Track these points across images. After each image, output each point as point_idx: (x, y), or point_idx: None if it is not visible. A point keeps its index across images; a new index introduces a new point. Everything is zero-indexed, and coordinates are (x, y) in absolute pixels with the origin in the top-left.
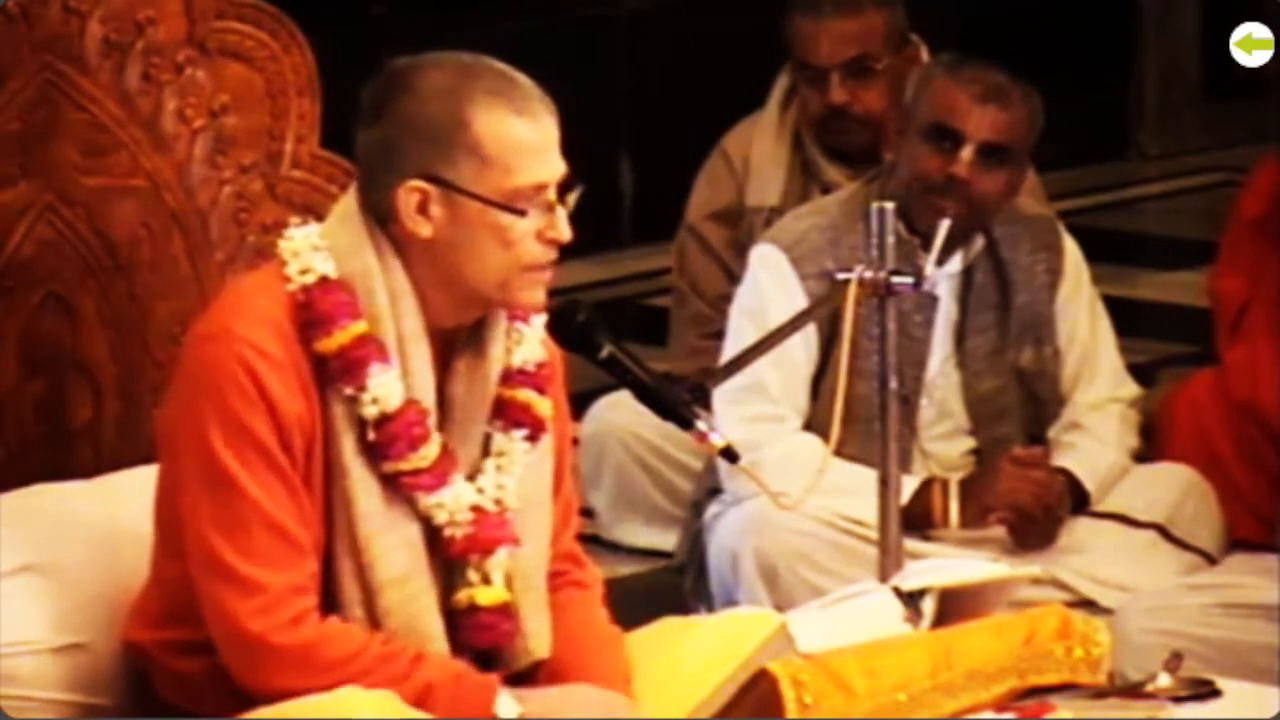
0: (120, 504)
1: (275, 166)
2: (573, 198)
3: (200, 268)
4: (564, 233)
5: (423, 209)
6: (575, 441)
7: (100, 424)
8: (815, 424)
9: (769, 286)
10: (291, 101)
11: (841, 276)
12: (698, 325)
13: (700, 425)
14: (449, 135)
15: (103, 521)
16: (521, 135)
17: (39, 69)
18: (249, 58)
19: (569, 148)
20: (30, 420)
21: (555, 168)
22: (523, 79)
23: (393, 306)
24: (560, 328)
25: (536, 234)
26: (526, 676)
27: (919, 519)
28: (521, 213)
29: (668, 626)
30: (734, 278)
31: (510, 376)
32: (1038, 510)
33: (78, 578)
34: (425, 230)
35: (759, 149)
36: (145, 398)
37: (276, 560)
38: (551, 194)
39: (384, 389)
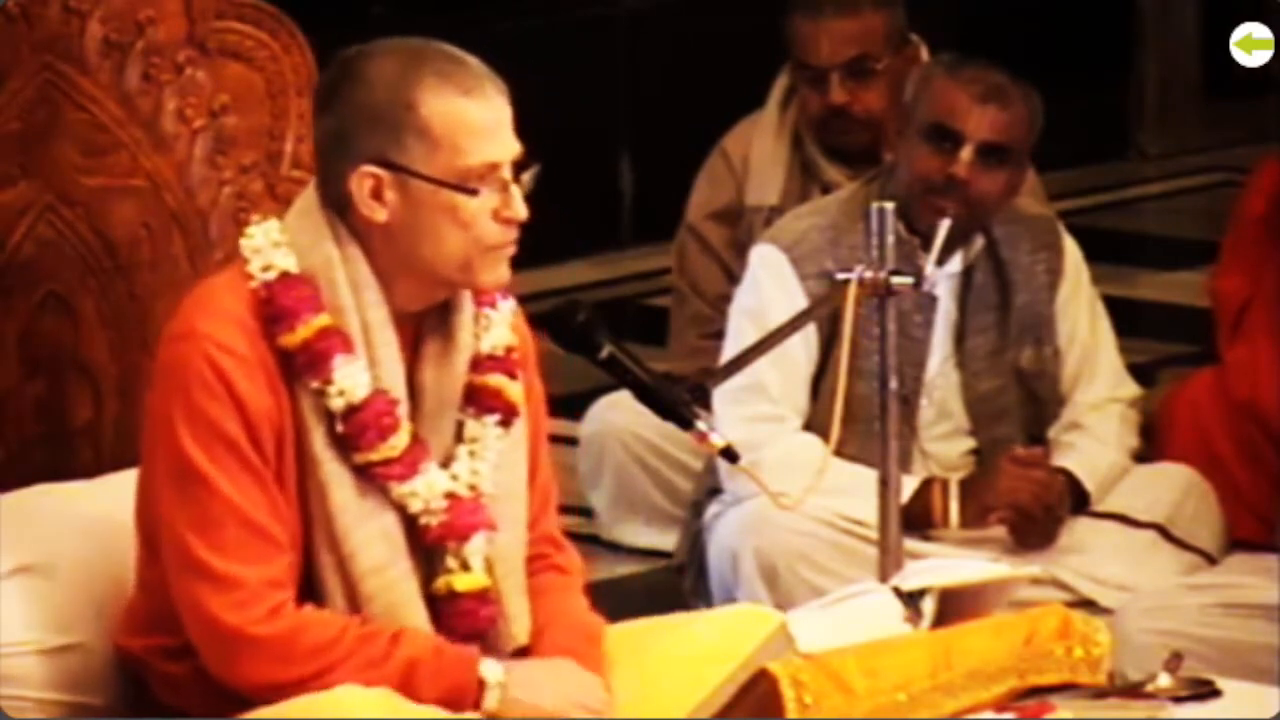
0: (120, 504)
1: (275, 166)
2: (527, 177)
3: (200, 268)
4: (519, 211)
5: (377, 194)
6: (574, 441)
7: (100, 424)
8: (815, 424)
9: (769, 286)
10: (291, 101)
11: (841, 276)
12: (698, 325)
13: (700, 425)
14: (397, 119)
15: (103, 521)
16: (470, 115)
17: (39, 69)
18: (249, 58)
19: (569, 148)
20: (30, 420)
21: (507, 147)
22: (471, 60)
23: (356, 297)
24: (560, 328)
25: (492, 213)
26: None
27: (919, 519)
28: (473, 192)
29: (668, 622)
30: (734, 277)
31: (480, 362)
32: (1038, 510)
33: (76, 578)
34: (381, 215)
35: (758, 148)
36: (145, 398)
37: (250, 555)
38: (506, 173)
39: (350, 380)
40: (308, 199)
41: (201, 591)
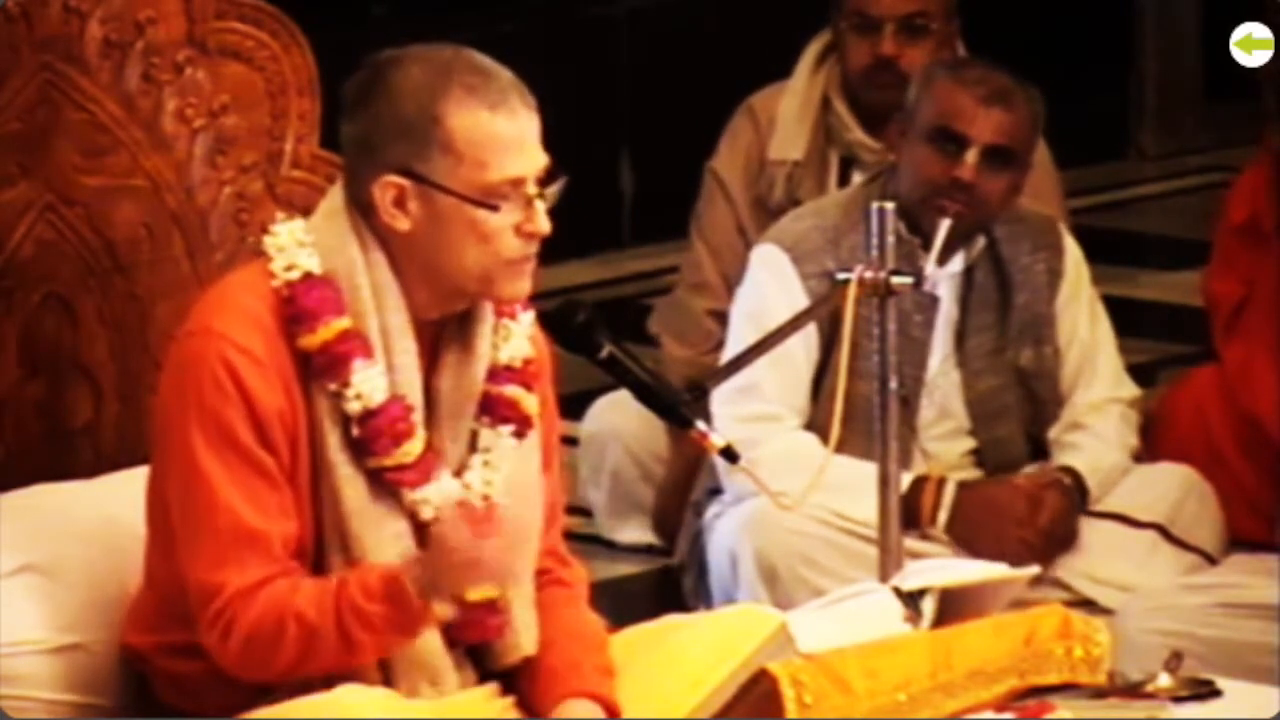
0: (120, 504)
1: (275, 166)
2: (552, 190)
3: (200, 268)
4: (541, 225)
5: (400, 203)
6: (574, 441)
7: (100, 424)
8: (815, 424)
9: (769, 287)
10: (291, 101)
11: (841, 276)
12: (692, 271)
13: (699, 425)
14: (423, 131)
15: (103, 521)
16: (495, 131)
17: (39, 69)
18: (249, 58)
19: (569, 148)
20: (30, 420)
21: (532, 162)
22: (500, 74)
23: (377, 301)
24: (560, 328)
25: (514, 228)
26: (514, 672)
27: (905, 515)
28: (494, 208)
29: (668, 624)
30: (744, 230)
31: (497, 373)
32: (1051, 545)
33: (78, 578)
34: (403, 225)
35: (786, 106)
36: (145, 398)
37: (242, 564)
38: (531, 187)
39: (367, 385)
40: (334, 200)
41: (194, 598)
